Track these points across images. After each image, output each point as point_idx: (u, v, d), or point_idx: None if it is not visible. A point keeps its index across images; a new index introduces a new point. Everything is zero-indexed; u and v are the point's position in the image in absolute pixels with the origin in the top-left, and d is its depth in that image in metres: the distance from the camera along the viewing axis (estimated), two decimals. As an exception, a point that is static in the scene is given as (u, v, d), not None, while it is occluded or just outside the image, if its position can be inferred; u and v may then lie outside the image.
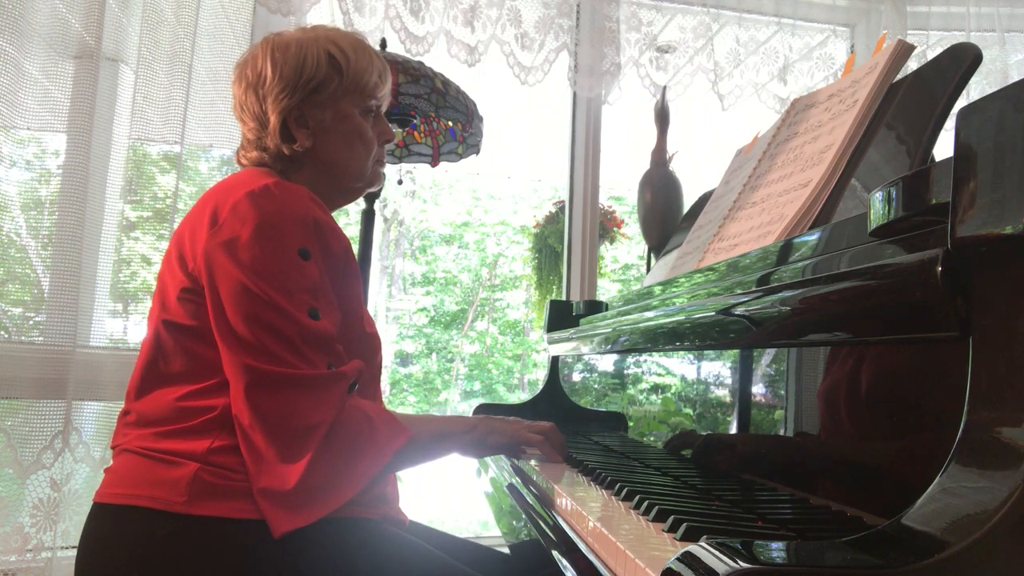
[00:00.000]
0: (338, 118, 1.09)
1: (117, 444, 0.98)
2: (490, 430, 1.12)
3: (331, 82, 1.08)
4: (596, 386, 1.63)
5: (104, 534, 0.92)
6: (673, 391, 1.15)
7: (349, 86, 1.09)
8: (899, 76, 1.12)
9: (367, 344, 1.07)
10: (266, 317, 0.89)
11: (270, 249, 0.92)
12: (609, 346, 1.39)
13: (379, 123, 1.16)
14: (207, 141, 2.07)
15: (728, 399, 0.97)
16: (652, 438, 1.23)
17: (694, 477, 1.00)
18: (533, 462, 1.21)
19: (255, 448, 0.88)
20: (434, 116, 1.87)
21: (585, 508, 0.85)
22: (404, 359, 7.58)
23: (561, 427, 1.25)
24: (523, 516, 1.05)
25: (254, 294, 0.90)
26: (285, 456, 0.87)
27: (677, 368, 1.15)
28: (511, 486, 1.20)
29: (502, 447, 1.14)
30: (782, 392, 0.84)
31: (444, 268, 7.88)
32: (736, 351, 0.95)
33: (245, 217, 0.93)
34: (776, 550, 0.49)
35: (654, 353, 1.24)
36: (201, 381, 0.94)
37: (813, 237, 0.89)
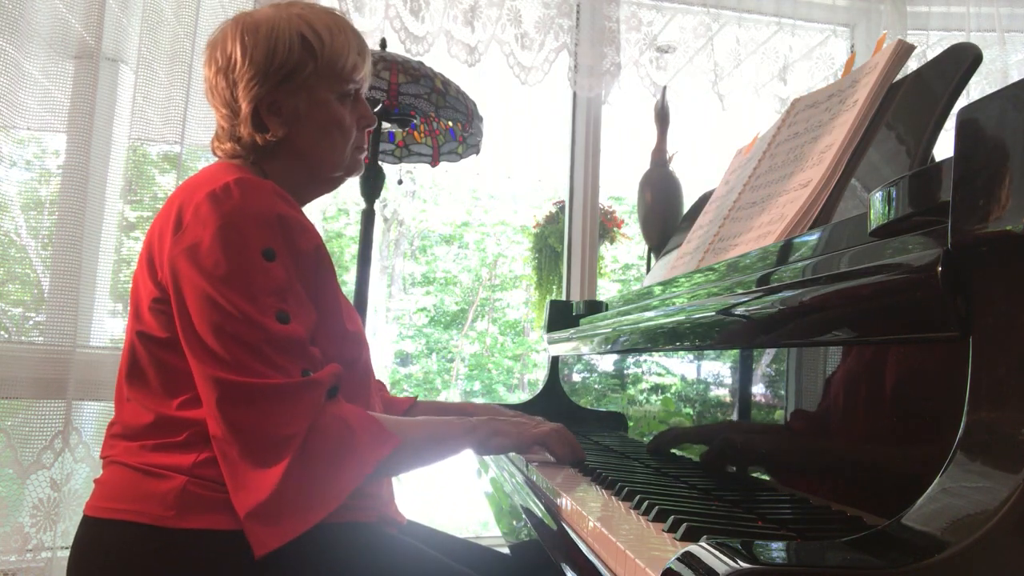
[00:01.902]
0: (313, 105, 1.03)
1: (106, 455, 0.97)
2: (493, 431, 1.06)
3: (305, 67, 1.01)
4: (596, 386, 1.63)
5: (94, 549, 0.90)
6: (673, 391, 1.15)
7: (324, 70, 1.03)
8: (899, 76, 1.12)
9: (349, 343, 1.02)
10: (232, 326, 0.85)
11: (232, 253, 0.88)
12: (609, 346, 1.39)
13: (358, 106, 1.10)
14: (207, 141, 2.05)
15: (728, 399, 0.97)
16: (652, 438, 1.23)
17: (694, 477, 1.00)
18: (535, 465, 1.21)
19: (231, 462, 0.85)
20: (434, 116, 1.87)
21: (585, 508, 0.85)
22: (404, 359, 7.58)
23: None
24: (522, 515, 1.05)
25: (218, 303, 0.86)
26: (260, 469, 0.84)
27: (677, 368, 1.15)
28: (514, 486, 1.20)
29: (507, 449, 1.09)
30: (782, 392, 0.84)
31: (444, 268, 7.88)
32: (736, 351, 0.95)
33: (206, 220, 0.89)
34: (776, 550, 0.49)
35: (654, 353, 1.24)
36: (180, 394, 0.91)
37: (813, 237, 0.89)
